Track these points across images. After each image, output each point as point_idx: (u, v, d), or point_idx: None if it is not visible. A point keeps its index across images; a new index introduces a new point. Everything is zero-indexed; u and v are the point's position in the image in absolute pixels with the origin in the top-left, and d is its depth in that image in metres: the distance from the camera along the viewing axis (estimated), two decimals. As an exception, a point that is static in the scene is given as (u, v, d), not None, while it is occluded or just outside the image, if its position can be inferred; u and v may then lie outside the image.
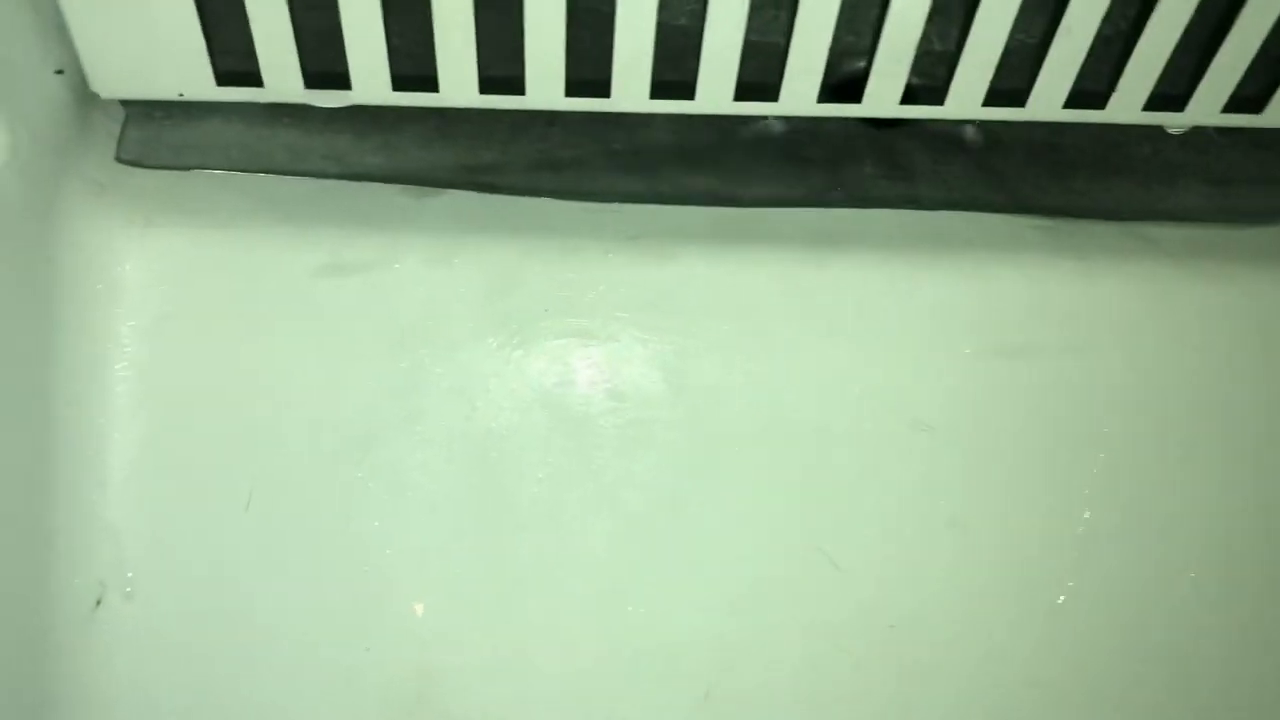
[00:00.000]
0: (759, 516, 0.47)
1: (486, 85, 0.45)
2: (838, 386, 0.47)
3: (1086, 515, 0.47)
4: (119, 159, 0.46)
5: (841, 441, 0.47)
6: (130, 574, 0.46)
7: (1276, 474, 0.48)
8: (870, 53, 0.45)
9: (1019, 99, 0.46)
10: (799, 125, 0.51)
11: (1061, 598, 0.48)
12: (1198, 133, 0.52)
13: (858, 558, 0.47)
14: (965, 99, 0.46)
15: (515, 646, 0.47)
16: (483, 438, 0.47)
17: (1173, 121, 0.48)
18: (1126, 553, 0.48)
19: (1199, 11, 0.43)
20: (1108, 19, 0.43)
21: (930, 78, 0.46)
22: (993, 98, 0.46)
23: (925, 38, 0.44)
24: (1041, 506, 0.48)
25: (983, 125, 0.51)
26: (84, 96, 0.45)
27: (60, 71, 0.44)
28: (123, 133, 0.46)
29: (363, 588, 0.46)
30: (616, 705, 0.47)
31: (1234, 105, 0.47)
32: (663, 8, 0.43)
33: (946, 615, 0.47)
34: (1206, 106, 0.47)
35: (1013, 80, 0.46)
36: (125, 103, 0.47)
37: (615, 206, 0.48)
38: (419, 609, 0.46)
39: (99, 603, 0.45)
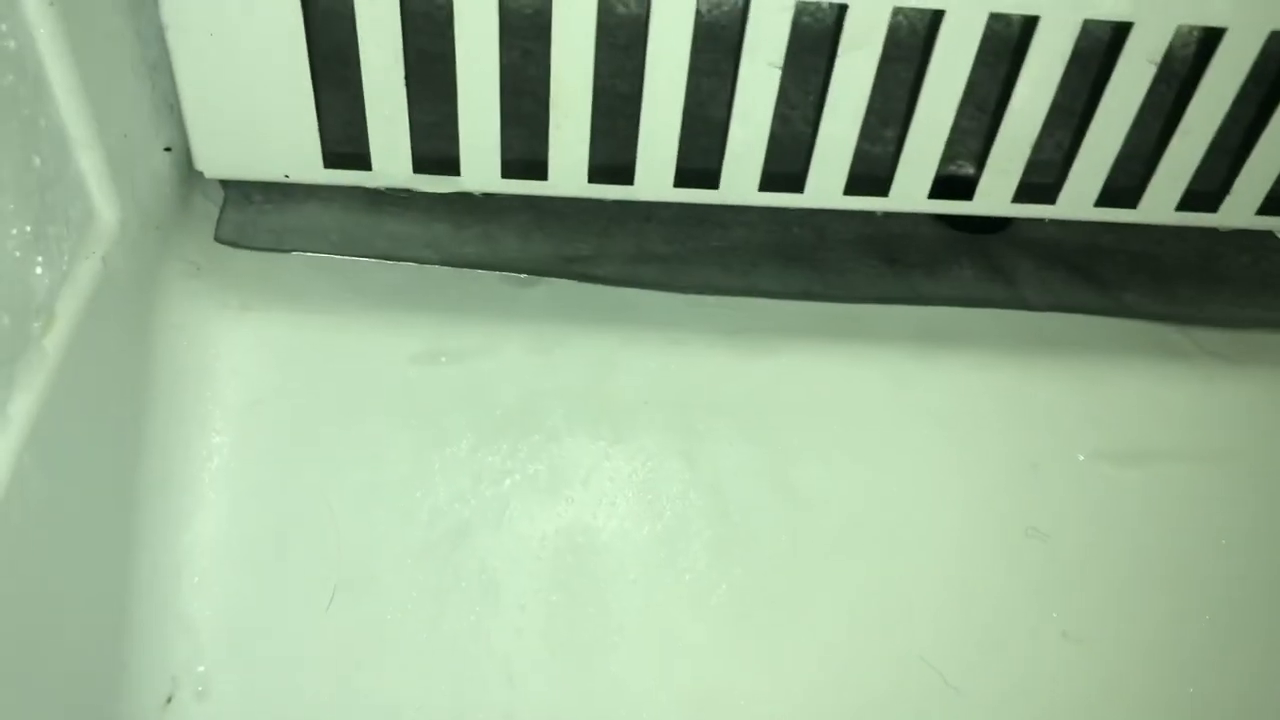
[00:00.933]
0: (864, 627, 0.45)
1: (595, 174, 0.44)
2: (946, 490, 0.46)
3: (1207, 619, 0.45)
4: (217, 239, 0.45)
5: (950, 549, 0.46)
6: (203, 670, 0.43)
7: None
8: (982, 155, 0.45)
9: (1132, 200, 0.46)
10: (894, 229, 0.51)
11: (1180, 714, 0.45)
12: (1298, 242, 0.52)
13: (968, 672, 0.45)
14: (1076, 199, 0.45)
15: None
16: (576, 534, 0.45)
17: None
18: (1247, 663, 0.45)
19: (1317, 117, 0.43)
20: (1223, 128, 0.43)
21: (1041, 177, 0.46)
22: (1104, 199, 0.46)
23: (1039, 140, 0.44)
24: (1158, 617, 0.45)
25: (1080, 232, 0.51)
26: (187, 176, 0.45)
27: (169, 149, 0.43)
28: (222, 213, 0.46)
29: (446, 690, 0.44)
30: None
31: (1349, 212, 0.46)
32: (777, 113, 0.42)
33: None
34: (1320, 212, 0.46)
35: (1124, 181, 0.46)
36: (225, 184, 0.46)
37: (715, 299, 0.47)
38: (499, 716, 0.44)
39: (170, 700, 0.43)
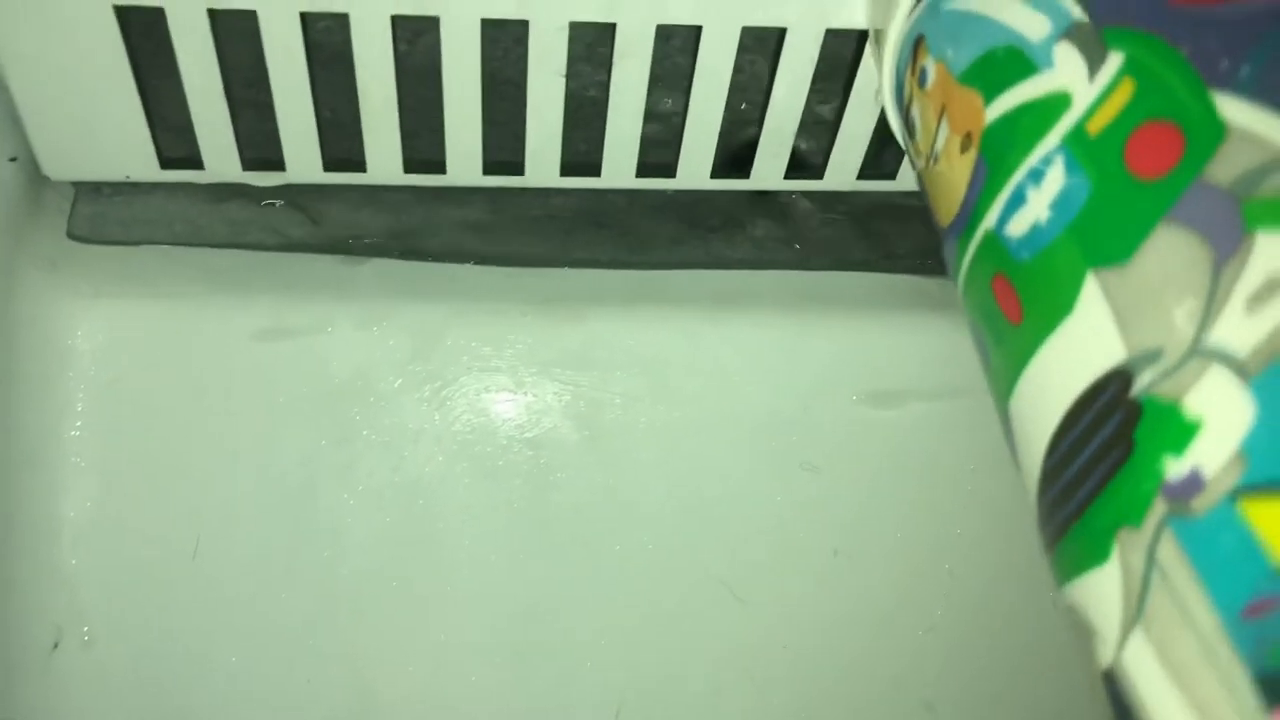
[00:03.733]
0: (664, 552, 0.53)
1: (410, 166, 0.49)
2: (732, 433, 0.53)
3: (958, 532, 0.53)
4: (70, 235, 0.50)
5: (736, 481, 0.53)
6: (85, 620, 0.49)
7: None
8: (755, 138, 0.50)
9: (891, 174, 0.52)
10: (697, 195, 0.56)
11: (934, 616, 0.53)
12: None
13: (753, 586, 0.53)
14: (840, 173, 0.51)
15: (442, 674, 0.51)
16: (411, 486, 0.51)
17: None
18: (992, 572, 0.53)
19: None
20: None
21: (811, 156, 0.52)
22: (866, 170, 0.52)
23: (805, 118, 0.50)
24: (916, 536, 0.53)
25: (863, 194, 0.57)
26: (36, 179, 0.49)
27: (14, 159, 0.47)
28: (72, 211, 0.50)
29: (303, 626, 0.51)
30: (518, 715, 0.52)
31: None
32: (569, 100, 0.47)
33: (835, 636, 0.53)
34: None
35: (883, 158, 0.52)
36: (75, 184, 0.51)
37: (532, 271, 0.53)
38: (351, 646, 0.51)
39: (56, 646, 0.49)
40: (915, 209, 0.57)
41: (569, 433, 0.52)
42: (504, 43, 0.50)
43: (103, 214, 0.51)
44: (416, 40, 0.48)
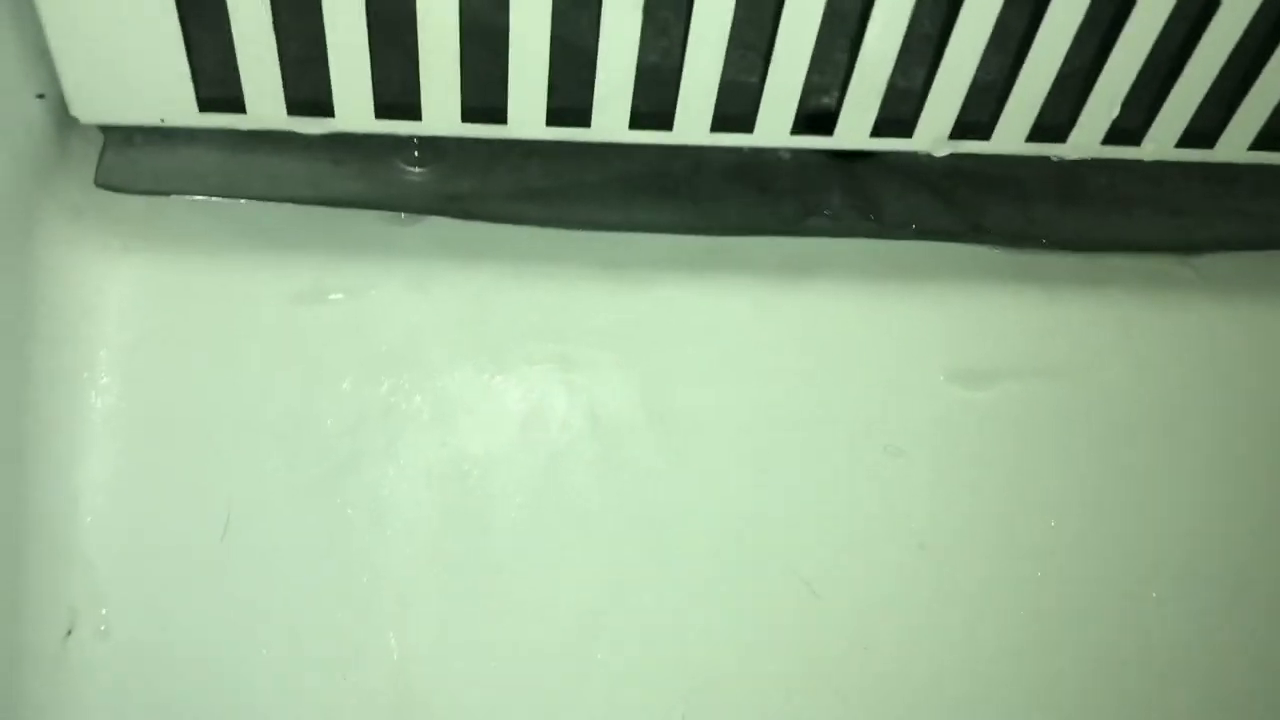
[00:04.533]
0: (734, 540, 0.48)
1: (469, 114, 0.45)
2: (810, 411, 0.48)
3: (1052, 525, 0.48)
4: (97, 184, 0.46)
5: (813, 466, 0.48)
6: (103, 604, 0.45)
7: (1226, 492, 0.50)
8: (842, 89, 0.46)
9: (984, 133, 0.48)
10: (767, 158, 0.52)
11: (1025, 612, 0.49)
12: (1153, 166, 0.54)
13: (831, 580, 0.48)
14: (932, 132, 0.47)
15: (492, 671, 0.47)
16: (460, 462, 0.47)
17: (1130, 155, 0.50)
18: (1089, 569, 0.49)
19: (1154, 51, 0.45)
20: (1068, 58, 0.45)
21: (899, 112, 0.48)
22: (958, 131, 0.48)
23: (894, 74, 0.46)
24: (1007, 526, 0.49)
25: (947, 158, 0.53)
26: (64, 121, 0.45)
27: (41, 96, 0.44)
28: (101, 158, 0.46)
29: (340, 616, 0.46)
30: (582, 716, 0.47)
31: (1188, 140, 0.49)
32: (642, 45, 0.44)
33: (919, 633, 0.48)
34: (1163, 141, 0.49)
35: (977, 114, 0.48)
36: (104, 128, 0.47)
37: (593, 234, 0.49)
38: (392, 639, 0.46)
39: (70, 632, 0.45)
40: (1002, 176, 0.53)
41: (632, 410, 0.48)
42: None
43: (133, 162, 0.47)
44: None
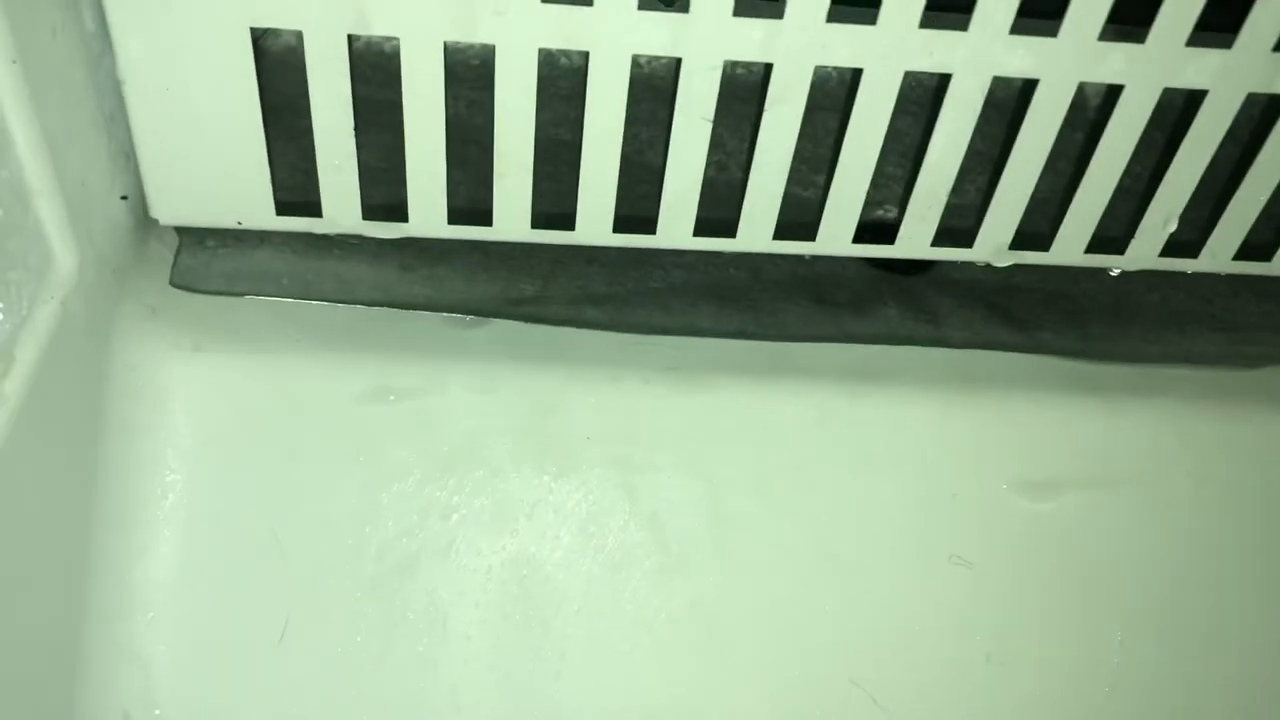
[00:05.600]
0: (797, 651, 0.47)
1: (538, 220, 0.46)
2: (874, 520, 0.48)
3: (1119, 639, 0.47)
4: (172, 283, 0.47)
5: (877, 575, 0.48)
6: (156, 705, 0.44)
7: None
8: (903, 201, 0.47)
9: (1044, 244, 0.49)
10: (823, 271, 0.53)
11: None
12: (1202, 282, 0.55)
13: (896, 693, 0.47)
14: (992, 242, 0.48)
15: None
16: (521, 566, 0.46)
17: (1186, 268, 0.51)
18: (1158, 683, 0.48)
19: (1212, 165, 0.46)
20: (1127, 172, 0.46)
21: (960, 222, 0.49)
22: (1018, 242, 0.48)
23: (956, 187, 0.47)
24: (1075, 638, 0.48)
25: (1000, 273, 0.54)
26: (144, 222, 0.46)
27: (125, 197, 0.45)
28: (176, 258, 0.47)
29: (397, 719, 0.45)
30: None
31: (1244, 253, 0.49)
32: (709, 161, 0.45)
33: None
34: (1219, 254, 0.49)
35: (1037, 226, 0.48)
36: (180, 230, 0.48)
37: (654, 339, 0.49)
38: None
39: (122, 734, 0.44)
40: (1056, 293, 0.53)
41: (695, 516, 0.48)
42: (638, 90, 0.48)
43: (207, 264, 0.48)
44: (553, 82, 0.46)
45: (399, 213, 0.46)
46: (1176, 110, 0.47)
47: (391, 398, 0.47)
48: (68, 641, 0.43)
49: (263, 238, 0.49)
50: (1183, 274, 0.55)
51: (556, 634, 0.46)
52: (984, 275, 0.54)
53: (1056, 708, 0.48)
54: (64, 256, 0.40)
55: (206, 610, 0.45)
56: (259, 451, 0.46)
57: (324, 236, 0.49)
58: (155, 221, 0.46)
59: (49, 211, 0.39)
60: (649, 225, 0.47)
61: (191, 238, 0.48)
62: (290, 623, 0.45)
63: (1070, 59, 0.42)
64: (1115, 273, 0.52)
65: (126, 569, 0.44)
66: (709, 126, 0.44)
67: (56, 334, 0.39)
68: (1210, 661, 0.48)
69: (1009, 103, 0.48)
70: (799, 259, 0.53)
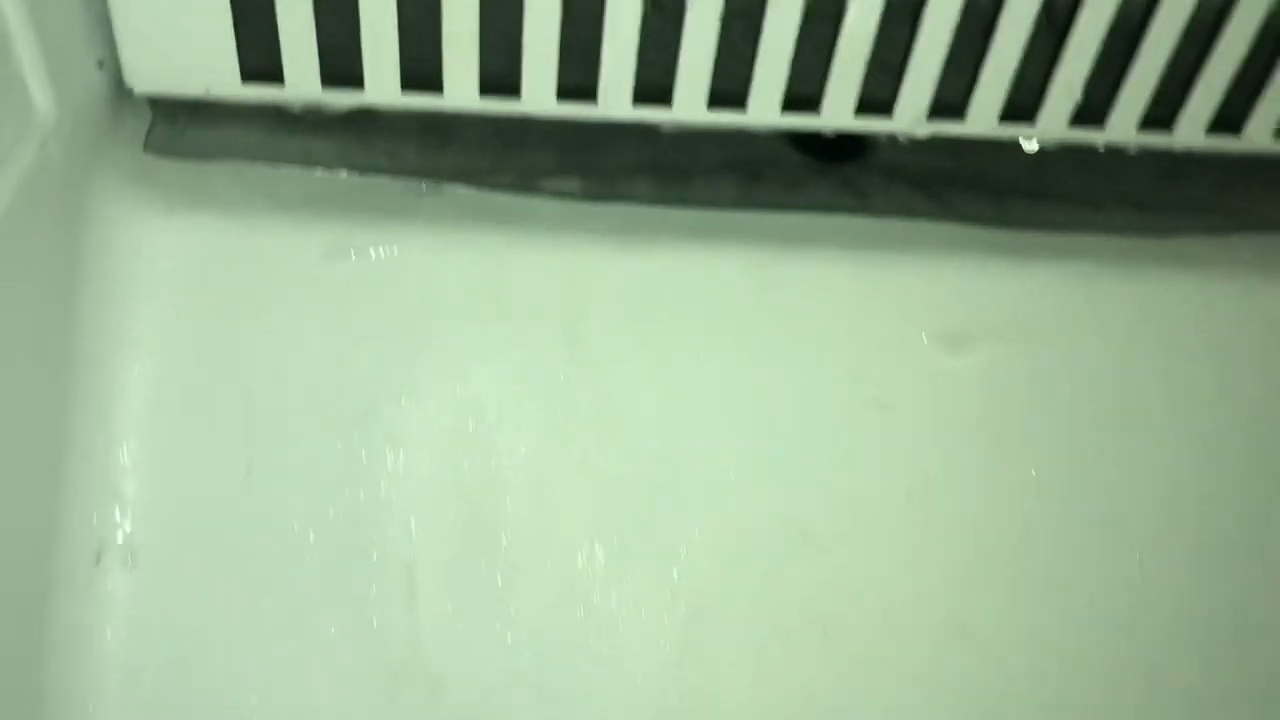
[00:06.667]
0: (733, 489, 0.51)
1: (486, 88, 0.50)
2: (803, 369, 0.52)
3: (1033, 475, 0.51)
4: (146, 149, 0.50)
5: (809, 420, 0.51)
6: (131, 533, 0.48)
7: (1188, 455, 0.53)
8: (825, 72, 0.51)
9: (959, 113, 0.52)
10: (758, 156, 0.57)
11: (1008, 551, 0.51)
12: (1120, 166, 0.58)
13: (826, 527, 0.50)
14: (911, 111, 0.52)
15: (496, 596, 0.49)
16: (473, 409, 0.50)
17: (1096, 140, 0.54)
18: (1067, 516, 0.51)
19: (1117, 31, 0.49)
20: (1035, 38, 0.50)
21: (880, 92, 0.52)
22: (936, 110, 0.52)
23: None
24: (992, 476, 0.51)
25: (923, 155, 0.57)
26: (119, 94, 0.50)
27: (101, 64, 0.48)
28: (150, 129, 0.51)
29: (355, 542, 0.49)
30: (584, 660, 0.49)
31: (1148, 124, 0.53)
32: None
33: (908, 573, 0.50)
34: (1123, 125, 0.53)
35: (953, 95, 0.52)
36: (153, 104, 0.51)
37: (600, 205, 0.52)
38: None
39: (98, 561, 0.47)
40: (973, 173, 0.57)
41: (637, 367, 0.51)
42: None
43: (179, 135, 0.51)
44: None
45: (356, 81, 0.49)
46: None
47: (353, 256, 0.50)
48: (48, 475, 0.46)
49: (231, 113, 0.52)
50: (1102, 159, 0.58)
51: (504, 471, 0.50)
52: (909, 159, 0.57)
53: (976, 541, 0.51)
54: (43, 104, 0.44)
55: (178, 447, 0.48)
56: (227, 304, 0.49)
57: (289, 116, 0.52)
58: (130, 95, 0.49)
59: (29, 63, 0.43)
60: (591, 93, 0.51)
61: (164, 112, 0.52)
62: (256, 459, 0.48)
63: (972, -77, 0.46)
64: (1032, 147, 0.56)
65: (103, 407, 0.48)
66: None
67: (36, 172, 0.42)
68: (1117, 497, 0.52)
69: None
70: (735, 143, 0.57)
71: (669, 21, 0.52)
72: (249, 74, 0.49)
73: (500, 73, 0.50)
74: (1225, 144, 0.54)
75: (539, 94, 0.50)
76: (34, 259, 0.44)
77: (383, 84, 0.49)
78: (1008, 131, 0.53)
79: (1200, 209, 0.58)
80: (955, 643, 0.50)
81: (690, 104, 0.51)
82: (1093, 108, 0.53)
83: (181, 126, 0.51)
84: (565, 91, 0.50)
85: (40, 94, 0.43)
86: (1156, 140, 0.54)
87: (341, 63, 0.49)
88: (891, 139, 0.53)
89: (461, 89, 0.50)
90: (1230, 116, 0.53)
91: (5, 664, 0.44)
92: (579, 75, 0.50)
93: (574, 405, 0.51)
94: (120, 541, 0.47)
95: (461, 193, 0.52)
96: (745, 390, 0.51)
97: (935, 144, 0.53)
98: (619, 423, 0.51)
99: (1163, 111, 0.53)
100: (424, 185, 0.52)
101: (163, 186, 0.50)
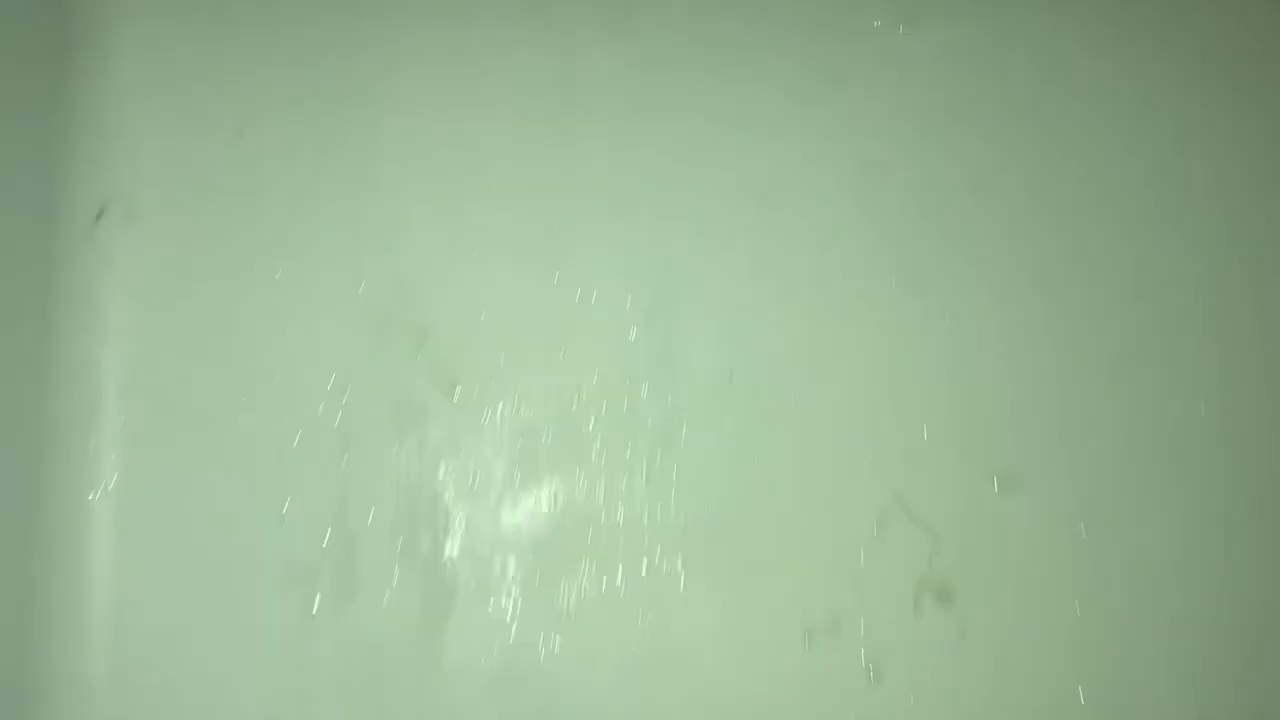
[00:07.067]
0: (698, 153, 0.53)
1: None
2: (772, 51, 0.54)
3: (980, 138, 0.53)
4: None
5: (767, 94, 0.54)
6: (130, 192, 0.50)
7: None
8: None
9: None
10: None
11: (956, 211, 0.53)
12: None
13: (787, 195, 0.53)
14: None
15: (477, 256, 0.52)
16: (449, 89, 0.53)
17: None
18: (1010, 194, 0.54)
19: None
20: None
21: None
22: None
23: None
24: (940, 141, 0.54)
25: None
26: None
27: None
28: None
29: (346, 220, 0.51)
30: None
31: None
32: None
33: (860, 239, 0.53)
34: None
35: None
36: None
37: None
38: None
39: (100, 216, 0.50)
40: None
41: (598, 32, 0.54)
42: None
43: None
44: None
45: None
46: None
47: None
48: (51, 132, 0.49)
49: None
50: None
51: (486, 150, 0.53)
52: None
53: (922, 203, 0.53)
54: None
55: (172, 102, 0.51)
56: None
57: None
58: None
59: None
60: None
61: None
62: (247, 125, 0.51)
63: None
64: None
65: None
66: None
67: None
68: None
69: None
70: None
71: None
72: None
73: None
74: None
75: None
76: None
77: None
78: None
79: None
80: (907, 291, 0.52)
81: None
82: None
83: None
84: None
85: None
86: None
87: None
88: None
89: None
90: None
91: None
92: None
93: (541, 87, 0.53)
94: (120, 197, 0.50)
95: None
96: (702, 51, 0.54)
97: None
98: (588, 103, 0.53)
99: None
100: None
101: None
